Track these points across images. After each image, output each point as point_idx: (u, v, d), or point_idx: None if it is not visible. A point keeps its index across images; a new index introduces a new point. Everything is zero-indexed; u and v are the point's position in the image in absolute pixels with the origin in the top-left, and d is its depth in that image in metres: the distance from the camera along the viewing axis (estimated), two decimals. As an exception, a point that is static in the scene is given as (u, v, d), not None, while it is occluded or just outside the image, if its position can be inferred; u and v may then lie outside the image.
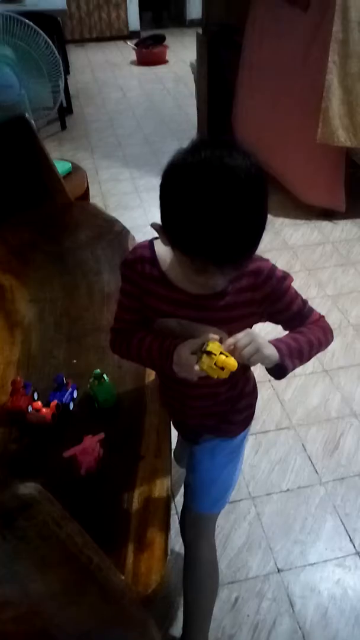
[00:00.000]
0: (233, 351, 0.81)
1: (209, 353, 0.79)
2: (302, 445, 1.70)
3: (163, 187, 0.75)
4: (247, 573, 1.38)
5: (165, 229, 0.78)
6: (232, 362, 0.79)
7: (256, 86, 3.00)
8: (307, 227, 2.86)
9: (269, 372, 0.89)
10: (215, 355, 0.79)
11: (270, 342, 0.86)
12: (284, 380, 1.99)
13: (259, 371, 1.96)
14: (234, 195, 0.69)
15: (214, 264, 0.74)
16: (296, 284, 0.94)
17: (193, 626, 1.19)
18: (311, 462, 1.65)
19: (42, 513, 0.62)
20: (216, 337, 0.82)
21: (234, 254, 0.74)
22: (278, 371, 0.87)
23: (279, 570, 1.38)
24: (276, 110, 2.83)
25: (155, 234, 0.85)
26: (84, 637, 0.83)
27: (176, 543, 1.28)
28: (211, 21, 3.43)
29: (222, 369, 0.80)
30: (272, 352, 0.84)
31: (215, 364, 0.79)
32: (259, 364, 0.86)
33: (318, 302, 2.28)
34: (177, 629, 1.24)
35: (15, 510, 0.59)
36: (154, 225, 0.81)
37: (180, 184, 0.72)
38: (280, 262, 2.32)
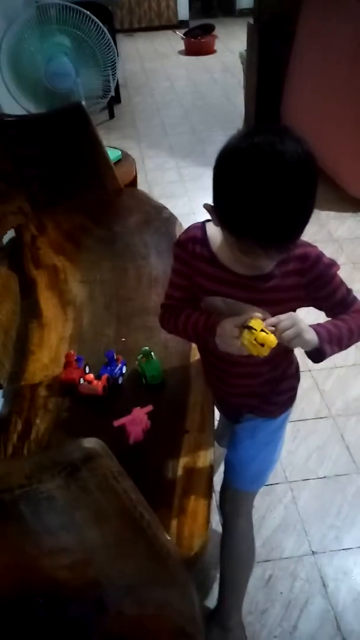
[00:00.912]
0: (274, 332, 0.84)
1: (250, 328, 0.83)
2: (341, 435, 1.72)
3: (216, 169, 0.79)
4: (282, 553, 1.42)
5: (216, 209, 0.82)
6: (271, 339, 0.82)
7: (308, 77, 2.97)
8: (353, 220, 2.83)
9: (307, 355, 0.92)
10: (256, 330, 0.82)
11: (311, 326, 0.88)
12: (324, 370, 2.02)
13: (299, 361, 1.98)
14: (282, 181, 0.72)
15: (259, 246, 0.77)
16: (342, 276, 0.95)
17: (227, 598, 1.23)
18: (349, 451, 1.66)
19: (103, 467, 0.67)
20: (260, 315, 0.85)
21: (278, 236, 0.77)
22: (316, 355, 0.90)
23: (313, 553, 1.41)
24: (327, 102, 2.80)
25: (209, 216, 0.90)
26: (130, 591, 0.89)
27: (213, 520, 1.33)
28: (264, 10, 3.41)
29: (262, 345, 0.83)
30: (312, 337, 0.87)
31: (255, 339, 0.82)
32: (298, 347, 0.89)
33: (361, 295, 2.27)
34: (212, 601, 1.29)
35: (79, 461, 0.65)
36: (206, 206, 0.85)
37: (231, 167, 0.76)
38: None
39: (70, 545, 0.76)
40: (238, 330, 0.85)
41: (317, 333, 0.88)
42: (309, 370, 1.92)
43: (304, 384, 1.87)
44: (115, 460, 0.70)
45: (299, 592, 1.34)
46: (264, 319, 0.85)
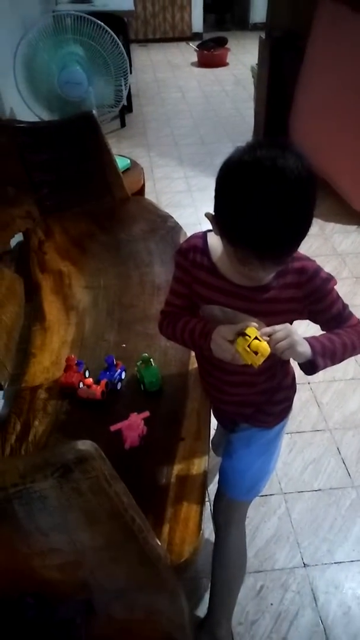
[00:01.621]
0: (269, 341, 0.85)
1: (245, 335, 0.84)
2: (337, 448, 1.72)
3: (218, 180, 0.81)
4: (274, 564, 1.42)
5: (216, 218, 0.84)
6: (265, 347, 0.84)
7: (317, 92, 3.00)
8: (357, 235, 2.84)
9: (300, 367, 0.94)
10: (250, 337, 0.84)
11: (305, 339, 0.90)
12: (323, 384, 2.02)
13: (298, 373, 1.99)
14: (281, 195, 0.74)
15: (255, 256, 0.79)
16: (343, 291, 0.97)
17: (218, 607, 1.23)
18: (345, 465, 1.66)
19: (96, 469, 0.69)
20: (255, 324, 0.87)
21: (274, 248, 0.79)
22: (309, 367, 0.92)
23: (304, 565, 1.41)
24: (335, 117, 2.83)
25: (210, 227, 0.92)
26: (119, 595, 0.90)
27: (206, 529, 1.34)
28: (275, 26, 3.46)
29: (256, 354, 0.84)
30: (305, 349, 0.89)
31: (249, 346, 0.84)
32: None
33: (363, 310, 2.28)
34: (202, 610, 1.29)
35: (73, 463, 0.67)
36: (207, 215, 0.87)
37: (233, 179, 0.78)
38: (328, 268, 2.31)
39: (62, 546, 0.78)
40: (233, 334, 0.87)
41: (311, 346, 0.90)
42: (308, 383, 1.93)
43: (302, 397, 1.89)
44: (108, 463, 0.71)
45: (289, 604, 1.34)
46: (259, 329, 0.87)
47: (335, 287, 0.95)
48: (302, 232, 0.79)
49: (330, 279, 0.94)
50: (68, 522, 0.73)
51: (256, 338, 0.84)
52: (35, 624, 0.86)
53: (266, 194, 0.74)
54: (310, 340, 0.90)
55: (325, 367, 0.92)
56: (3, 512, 0.70)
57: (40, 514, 0.71)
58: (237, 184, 0.77)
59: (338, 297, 0.96)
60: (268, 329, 0.86)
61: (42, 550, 0.78)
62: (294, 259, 0.91)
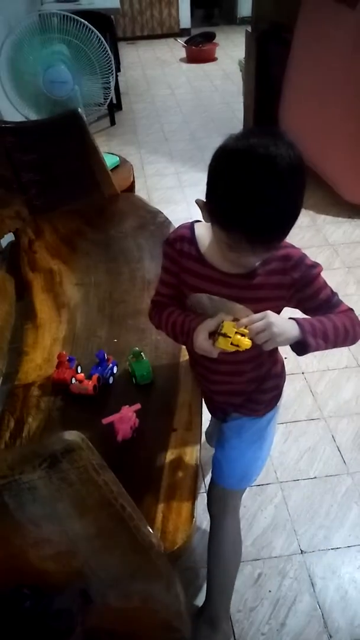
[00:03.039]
0: (248, 332, 0.86)
1: (225, 335, 0.86)
2: (332, 436, 1.73)
3: (212, 165, 0.83)
4: (271, 552, 1.43)
5: (208, 205, 0.85)
6: (246, 342, 0.86)
7: (304, 83, 3.01)
8: (349, 225, 2.85)
9: (291, 348, 0.93)
10: (230, 337, 0.86)
11: (294, 319, 0.91)
12: (317, 373, 2.04)
13: (292, 363, 2.00)
14: (273, 180, 0.76)
15: (246, 239, 0.80)
16: (335, 281, 0.98)
17: (215, 595, 1.25)
18: (340, 452, 1.68)
19: (83, 459, 0.70)
20: (229, 317, 0.88)
21: (265, 232, 0.80)
22: (300, 348, 0.91)
23: (302, 552, 1.43)
24: (322, 108, 2.84)
25: (198, 217, 0.93)
26: (114, 583, 0.91)
27: (204, 519, 1.35)
28: (261, 19, 3.46)
29: (237, 346, 0.86)
30: (290, 335, 0.89)
31: (231, 343, 0.86)
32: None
33: (356, 300, 2.28)
34: (201, 600, 1.31)
35: (60, 453, 0.68)
36: (198, 201, 0.88)
37: (226, 165, 0.80)
38: (320, 259, 2.33)
39: (54, 536, 0.79)
40: (211, 341, 0.89)
41: (300, 325, 0.90)
42: (302, 373, 1.94)
43: (297, 387, 1.91)
44: (96, 453, 0.72)
45: (287, 591, 1.35)
46: (236, 320, 0.88)
47: (322, 274, 0.96)
48: (292, 216, 0.81)
49: (315, 265, 0.95)
50: (59, 512, 0.75)
51: (236, 332, 0.85)
52: (32, 615, 0.87)
53: (259, 179, 0.76)
54: (299, 320, 0.91)
55: (317, 347, 0.91)
56: (-6, 504, 0.71)
57: (31, 504, 0.72)
58: (230, 168, 0.79)
59: (325, 284, 0.96)
60: (245, 320, 0.87)
61: (35, 541, 0.80)
62: (279, 247, 0.92)
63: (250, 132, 0.80)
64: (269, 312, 0.88)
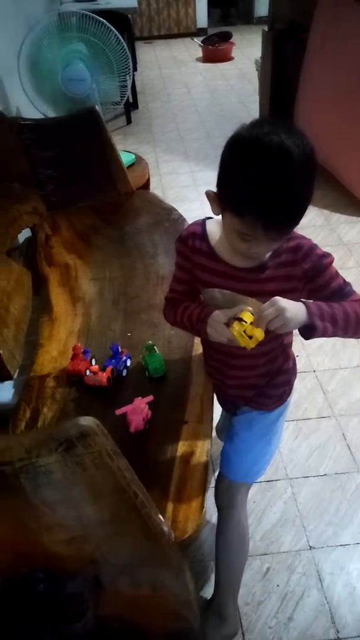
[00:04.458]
0: (260, 321, 0.87)
1: (241, 320, 0.87)
2: (342, 434, 1.74)
3: (224, 154, 0.85)
4: (280, 547, 1.44)
5: (220, 193, 0.87)
6: (259, 332, 0.87)
7: (320, 83, 3.00)
8: (363, 225, 2.85)
9: (299, 331, 0.92)
10: (245, 322, 0.87)
11: (302, 301, 0.91)
12: (328, 371, 2.03)
13: (303, 361, 2.00)
14: (289, 166, 0.78)
15: (261, 224, 0.82)
16: (349, 280, 0.96)
17: (223, 588, 1.26)
18: (350, 450, 1.68)
19: (98, 444, 0.72)
20: (250, 308, 0.89)
21: (283, 216, 0.82)
22: (308, 331, 0.90)
23: (310, 548, 1.44)
24: (338, 108, 2.84)
25: (208, 215, 0.94)
26: (125, 570, 0.93)
27: (213, 513, 1.37)
28: (278, 18, 3.46)
29: (250, 337, 0.87)
30: (301, 319, 0.88)
31: (244, 331, 0.87)
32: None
33: (369, 299, 2.28)
34: (209, 593, 1.32)
35: (75, 438, 0.70)
36: (208, 193, 0.90)
37: (240, 153, 0.82)
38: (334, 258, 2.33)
39: (68, 521, 0.81)
40: (227, 317, 0.89)
41: (307, 307, 0.89)
42: (313, 371, 1.95)
43: (308, 384, 1.91)
44: (110, 439, 0.74)
45: (295, 585, 1.36)
46: (255, 310, 0.89)
47: (333, 264, 0.96)
48: (305, 202, 0.83)
49: (326, 255, 0.95)
50: (73, 496, 0.77)
51: (251, 322, 0.86)
52: (45, 598, 0.89)
53: (275, 164, 0.78)
54: (307, 303, 0.90)
55: (325, 331, 0.90)
56: (11, 486, 0.73)
57: (47, 488, 0.74)
58: (246, 155, 0.81)
59: (337, 273, 0.96)
60: (258, 309, 0.87)
61: (50, 525, 0.82)
62: (289, 239, 0.93)
63: (263, 121, 0.83)
64: (278, 298, 0.87)
